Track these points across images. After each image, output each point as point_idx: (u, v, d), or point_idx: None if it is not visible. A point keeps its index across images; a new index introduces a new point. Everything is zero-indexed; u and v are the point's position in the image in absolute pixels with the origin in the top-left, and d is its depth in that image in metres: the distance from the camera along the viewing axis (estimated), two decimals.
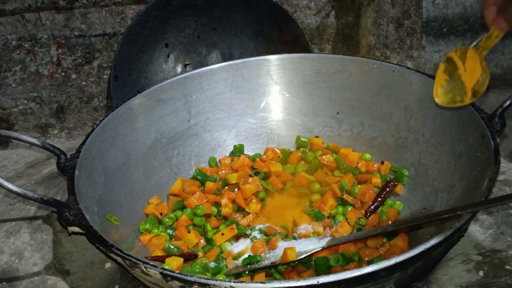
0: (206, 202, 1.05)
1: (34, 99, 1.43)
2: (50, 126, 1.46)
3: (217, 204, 1.05)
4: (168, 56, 1.41)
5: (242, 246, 0.96)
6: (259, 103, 1.21)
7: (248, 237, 0.98)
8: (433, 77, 1.05)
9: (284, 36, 1.38)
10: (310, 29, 1.47)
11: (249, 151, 1.19)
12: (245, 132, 1.20)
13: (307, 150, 1.16)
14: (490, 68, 1.53)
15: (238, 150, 1.17)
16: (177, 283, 0.70)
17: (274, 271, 0.89)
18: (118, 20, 1.39)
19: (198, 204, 1.03)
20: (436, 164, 1.01)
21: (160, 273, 0.70)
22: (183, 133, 1.15)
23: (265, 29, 1.39)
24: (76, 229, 0.81)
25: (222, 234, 0.98)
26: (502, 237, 0.96)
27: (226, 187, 1.09)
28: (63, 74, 1.42)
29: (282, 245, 0.92)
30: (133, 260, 0.72)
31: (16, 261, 1.00)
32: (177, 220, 1.02)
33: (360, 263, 0.89)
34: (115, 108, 1.08)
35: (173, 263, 0.89)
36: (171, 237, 1.00)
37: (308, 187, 1.08)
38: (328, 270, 0.87)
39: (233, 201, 1.05)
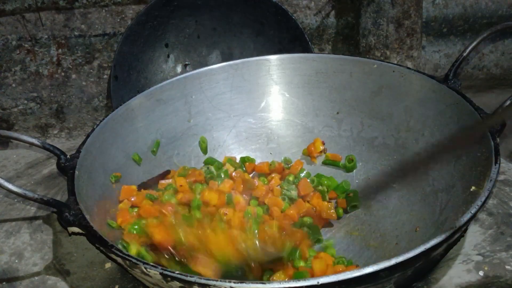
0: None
1: (34, 99, 1.43)
2: (50, 126, 1.46)
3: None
4: (168, 56, 1.41)
5: None
6: (259, 103, 1.21)
7: None
8: (433, 77, 1.05)
9: (284, 36, 1.38)
10: (310, 29, 1.47)
11: (249, 151, 1.18)
12: (245, 132, 1.20)
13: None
14: (490, 68, 1.54)
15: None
16: (177, 284, 0.70)
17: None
18: (118, 20, 1.39)
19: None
20: (436, 164, 1.01)
21: (160, 273, 0.70)
22: (183, 133, 1.15)
23: (265, 29, 1.39)
24: (76, 229, 0.81)
25: None
26: (502, 237, 0.96)
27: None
28: (63, 74, 1.42)
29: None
30: (133, 260, 0.72)
31: (16, 261, 1.00)
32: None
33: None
34: (115, 108, 1.08)
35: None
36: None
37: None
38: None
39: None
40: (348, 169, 1.12)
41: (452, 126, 0.99)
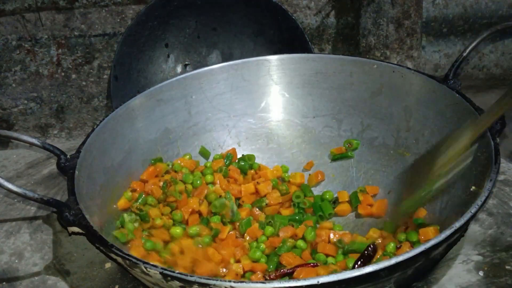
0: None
1: (34, 99, 1.43)
2: (50, 126, 1.46)
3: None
4: (168, 56, 1.41)
5: None
6: (259, 103, 1.21)
7: None
8: (433, 77, 1.05)
9: (284, 36, 1.38)
10: (310, 29, 1.47)
11: (249, 151, 1.18)
12: (245, 132, 1.20)
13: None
14: (490, 68, 1.54)
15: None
16: (177, 283, 0.70)
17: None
18: (118, 20, 1.39)
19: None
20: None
21: (160, 273, 0.70)
22: (183, 133, 1.15)
23: (265, 29, 1.39)
24: (76, 229, 0.81)
25: None
26: (502, 237, 0.96)
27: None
28: (63, 74, 1.42)
29: None
30: (133, 260, 0.72)
31: (16, 261, 1.00)
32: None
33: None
34: (115, 108, 1.08)
35: None
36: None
37: None
38: None
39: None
40: (352, 149, 1.13)
41: (452, 126, 0.99)
